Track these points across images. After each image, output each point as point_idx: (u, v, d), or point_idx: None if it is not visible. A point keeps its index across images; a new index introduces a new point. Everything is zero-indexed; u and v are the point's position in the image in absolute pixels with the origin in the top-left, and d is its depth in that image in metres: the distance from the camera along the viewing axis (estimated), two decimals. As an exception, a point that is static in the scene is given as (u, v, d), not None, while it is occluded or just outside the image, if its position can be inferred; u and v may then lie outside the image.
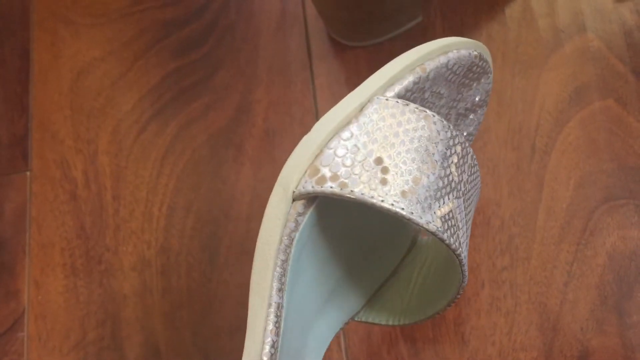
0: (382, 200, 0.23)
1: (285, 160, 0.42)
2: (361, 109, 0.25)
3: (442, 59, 0.26)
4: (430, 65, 0.26)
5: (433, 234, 0.24)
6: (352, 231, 0.30)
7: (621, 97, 0.40)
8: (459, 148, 0.25)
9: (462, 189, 0.26)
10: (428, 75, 0.26)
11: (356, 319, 0.33)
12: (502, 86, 0.41)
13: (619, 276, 0.37)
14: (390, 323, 0.33)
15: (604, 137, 0.39)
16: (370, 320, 0.33)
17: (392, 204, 0.23)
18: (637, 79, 0.40)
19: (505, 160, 0.40)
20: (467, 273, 0.26)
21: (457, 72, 0.27)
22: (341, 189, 0.23)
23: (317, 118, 0.43)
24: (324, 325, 0.31)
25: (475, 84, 0.30)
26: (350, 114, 0.24)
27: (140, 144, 0.44)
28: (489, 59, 0.29)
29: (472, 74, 0.29)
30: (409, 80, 0.25)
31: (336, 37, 0.43)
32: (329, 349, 0.38)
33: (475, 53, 0.28)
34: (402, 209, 0.23)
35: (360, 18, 0.40)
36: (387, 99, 0.25)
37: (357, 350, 0.38)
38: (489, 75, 0.30)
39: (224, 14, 0.46)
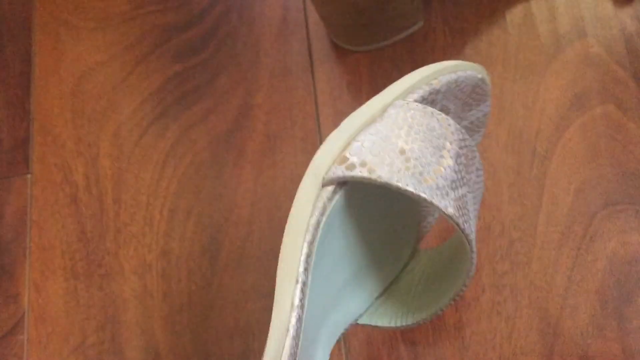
0: (407, 185, 0.25)
1: (287, 163, 0.42)
2: (384, 110, 0.28)
3: (453, 76, 0.29)
4: (443, 80, 0.29)
5: (450, 217, 0.26)
6: (370, 225, 0.32)
7: (621, 103, 0.40)
8: (468, 151, 0.28)
9: (472, 186, 0.28)
10: (440, 89, 0.29)
11: (359, 322, 0.33)
12: (503, 91, 0.41)
13: (619, 281, 0.37)
14: (393, 324, 0.33)
15: (604, 143, 0.39)
16: (372, 322, 0.33)
17: (416, 189, 0.25)
18: (638, 84, 0.40)
19: (506, 165, 0.40)
20: (475, 261, 0.28)
21: (464, 90, 0.30)
22: (370, 174, 0.26)
23: (318, 122, 0.43)
24: (335, 319, 0.32)
25: (475, 105, 0.33)
26: (375, 114, 0.27)
27: (142, 147, 0.44)
28: (489, 85, 0.32)
29: (475, 94, 0.31)
30: (425, 89, 0.28)
31: (338, 42, 0.44)
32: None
33: (480, 76, 0.31)
34: (424, 192, 0.25)
35: (362, 23, 0.40)
36: (407, 102, 0.28)
37: (357, 354, 0.37)
38: (489, 100, 0.33)
39: (225, 19, 0.46)
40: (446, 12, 0.43)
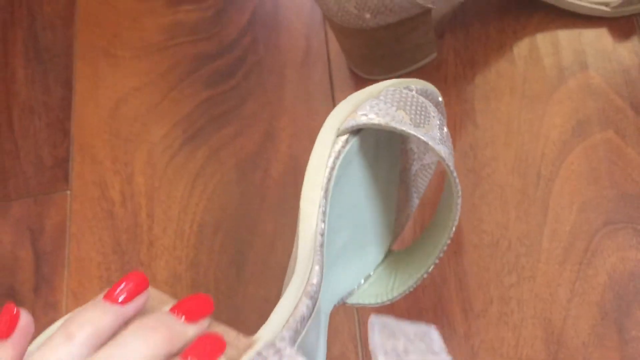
0: (408, 129, 0.32)
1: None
2: (380, 91, 0.34)
3: (426, 86, 0.36)
4: (417, 87, 0.35)
5: (442, 159, 0.32)
6: (369, 189, 0.37)
7: (620, 130, 0.43)
8: (445, 127, 0.35)
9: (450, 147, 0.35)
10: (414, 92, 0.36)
11: (348, 301, 0.36)
12: (510, 118, 0.44)
13: (619, 294, 0.39)
14: (380, 301, 0.37)
15: (605, 166, 0.42)
16: (361, 301, 0.37)
17: (415, 132, 0.32)
18: (635, 113, 0.43)
19: (513, 186, 0.43)
20: (459, 189, 0.33)
21: (431, 100, 0.37)
22: (378, 120, 0.31)
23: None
24: (337, 276, 0.35)
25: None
26: (373, 92, 0.34)
27: (173, 166, 0.48)
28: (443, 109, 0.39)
29: (439, 108, 0.38)
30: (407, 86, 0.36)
31: (357, 71, 0.47)
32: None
33: (440, 99, 0.37)
34: (423, 135, 0.31)
35: (380, 55, 0.44)
36: (395, 88, 0.34)
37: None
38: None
39: (253, 49, 0.50)
40: (458, 45, 0.47)
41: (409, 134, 0.32)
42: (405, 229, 0.41)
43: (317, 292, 0.29)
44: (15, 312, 0.23)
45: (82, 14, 0.54)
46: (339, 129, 0.32)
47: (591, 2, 0.45)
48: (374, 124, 0.32)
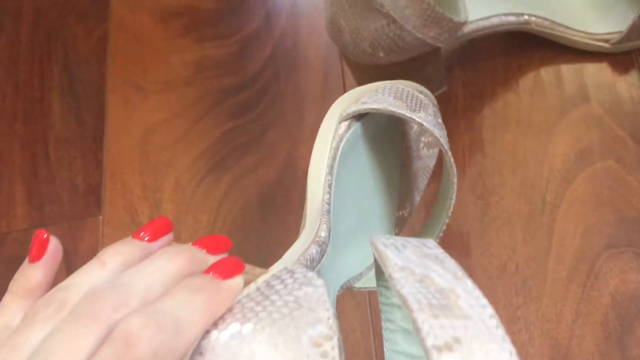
0: (405, 113, 0.34)
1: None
2: (378, 87, 0.37)
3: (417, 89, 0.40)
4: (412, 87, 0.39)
5: (437, 138, 0.34)
6: (374, 175, 0.39)
7: (621, 158, 0.45)
8: (439, 118, 0.38)
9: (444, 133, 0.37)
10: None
11: (355, 286, 0.38)
12: (516, 148, 0.47)
13: (621, 315, 0.41)
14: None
15: (607, 193, 0.45)
16: (367, 285, 0.39)
17: (412, 115, 0.34)
18: (635, 142, 0.46)
19: (520, 211, 0.45)
20: (455, 169, 0.35)
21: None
22: (377, 105, 0.34)
23: (354, 173, 0.49)
24: (344, 259, 0.37)
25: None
26: (371, 88, 0.37)
27: (199, 193, 0.51)
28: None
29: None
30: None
31: (371, 103, 0.50)
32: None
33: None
34: (418, 118, 0.34)
35: (393, 88, 0.47)
36: (392, 85, 0.37)
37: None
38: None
39: (274, 82, 0.53)
40: (466, 78, 0.50)
41: (404, 116, 0.34)
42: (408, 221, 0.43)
43: (326, 244, 0.31)
44: (45, 237, 0.25)
45: (113, 51, 0.57)
46: (341, 114, 0.35)
47: (592, 39, 0.48)
48: (373, 108, 0.34)
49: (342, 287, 0.38)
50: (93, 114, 0.55)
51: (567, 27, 0.48)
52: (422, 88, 0.39)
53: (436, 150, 0.42)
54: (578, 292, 0.42)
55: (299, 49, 0.54)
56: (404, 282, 0.21)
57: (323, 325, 0.22)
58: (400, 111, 0.34)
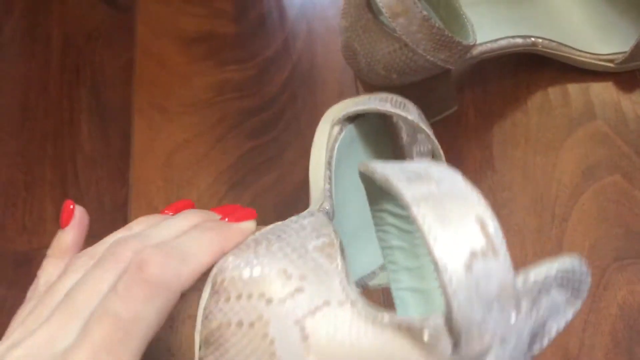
0: (391, 109, 0.37)
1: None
2: (366, 98, 0.40)
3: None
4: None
5: (423, 129, 0.37)
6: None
7: (627, 174, 0.47)
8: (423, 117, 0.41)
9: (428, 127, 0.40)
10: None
11: (370, 284, 0.40)
12: (526, 164, 0.49)
13: (629, 324, 0.43)
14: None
15: (614, 207, 0.46)
16: (382, 282, 0.40)
17: (395, 110, 0.37)
18: (641, 158, 0.47)
19: (529, 225, 0.47)
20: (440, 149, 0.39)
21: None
22: (364, 107, 0.37)
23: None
24: (352, 257, 0.38)
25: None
26: (359, 102, 0.39)
27: (221, 210, 0.53)
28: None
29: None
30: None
31: (385, 123, 0.52)
32: None
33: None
34: (402, 112, 0.37)
35: (406, 108, 0.49)
36: (377, 95, 0.40)
37: None
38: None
39: (291, 104, 0.56)
40: (476, 98, 0.52)
41: (389, 112, 0.37)
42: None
43: (330, 215, 0.33)
44: (71, 207, 0.29)
45: (139, 75, 0.60)
46: (333, 120, 0.38)
47: (597, 59, 0.50)
48: (362, 110, 0.37)
49: (356, 286, 0.39)
50: (119, 135, 0.58)
51: (573, 48, 0.50)
52: (407, 100, 0.41)
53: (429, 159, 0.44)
54: (587, 303, 0.44)
55: (315, 71, 0.57)
56: (384, 166, 0.25)
57: (325, 237, 0.26)
58: (384, 108, 0.37)
